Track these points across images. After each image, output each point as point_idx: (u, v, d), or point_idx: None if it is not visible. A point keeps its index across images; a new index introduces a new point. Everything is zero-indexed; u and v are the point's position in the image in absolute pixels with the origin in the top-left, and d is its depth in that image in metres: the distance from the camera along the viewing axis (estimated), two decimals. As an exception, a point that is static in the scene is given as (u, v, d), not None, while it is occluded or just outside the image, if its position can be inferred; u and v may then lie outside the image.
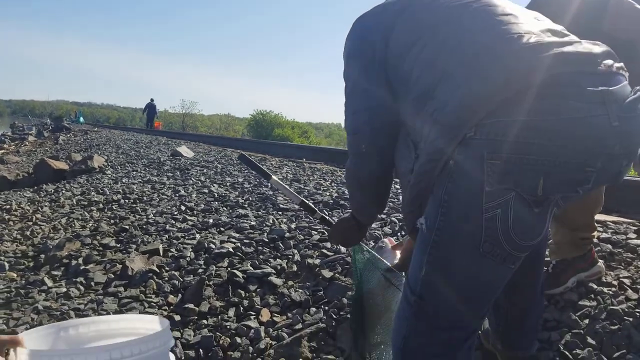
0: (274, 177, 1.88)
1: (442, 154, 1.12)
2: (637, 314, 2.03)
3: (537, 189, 1.05)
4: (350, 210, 1.78)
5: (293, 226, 3.61)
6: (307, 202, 2.01)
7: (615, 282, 2.29)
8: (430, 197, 1.20)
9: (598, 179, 1.10)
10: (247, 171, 6.95)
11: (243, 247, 3.29)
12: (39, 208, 5.64)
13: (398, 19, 1.33)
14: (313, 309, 2.45)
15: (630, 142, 1.11)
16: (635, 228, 3.06)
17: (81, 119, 44.52)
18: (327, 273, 2.70)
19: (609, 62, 1.12)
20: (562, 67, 1.05)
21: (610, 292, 2.21)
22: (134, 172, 7.71)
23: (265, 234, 3.50)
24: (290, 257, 3.05)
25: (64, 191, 6.49)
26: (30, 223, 4.97)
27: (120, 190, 6.02)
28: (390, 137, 1.41)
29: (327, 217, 2.08)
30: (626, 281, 2.30)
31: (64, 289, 3.05)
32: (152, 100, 32.24)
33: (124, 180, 6.91)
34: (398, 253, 2.00)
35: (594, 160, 1.07)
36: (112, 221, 4.59)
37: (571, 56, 1.07)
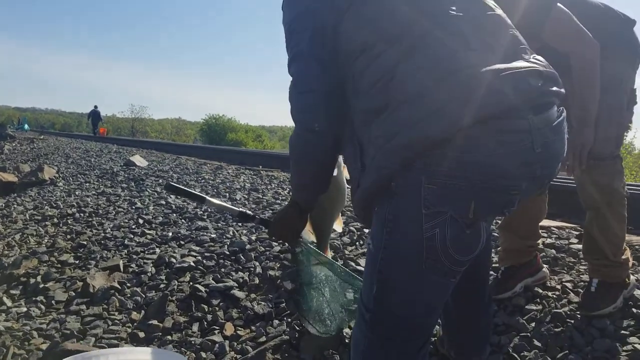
0: (208, 198, 1.90)
1: (387, 179, 1.24)
2: (578, 316, 2.23)
3: (469, 212, 1.18)
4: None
5: (253, 238, 3.70)
6: (245, 211, 1.98)
7: (558, 286, 2.50)
8: (375, 217, 1.32)
9: (522, 199, 1.26)
10: (203, 181, 6.97)
11: (204, 261, 3.35)
12: (-10, 224, 5.51)
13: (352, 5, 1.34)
14: (276, 321, 2.55)
15: (551, 163, 1.27)
16: (577, 233, 3.30)
17: (26, 126, 42.86)
18: (288, 285, 2.81)
19: (540, 85, 1.23)
20: (494, 106, 1.15)
21: (554, 296, 2.41)
22: (87, 184, 7.60)
23: (226, 246, 3.57)
24: (252, 269, 3.14)
25: (15, 205, 6.35)
26: (-18, 240, 4.86)
27: (75, 204, 5.95)
28: (342, 117, 1.42)
29: (265, 218, 2.01)
30: (568, 285, 2.51)
31: (24, 309, 3.04)
32: (95, 107, 33.98)
33: (77, 193, 6.81)
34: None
35: (519, 183, 1.21)
36: (69, 236, 4.56)
37: (505, 87, 1.16)
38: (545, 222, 3.36)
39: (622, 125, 2.23)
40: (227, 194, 5.69)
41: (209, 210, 4.85)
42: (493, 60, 1.20)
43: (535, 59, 1.29)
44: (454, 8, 1.28)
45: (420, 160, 1.18)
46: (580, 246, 3.11)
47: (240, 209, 1.98)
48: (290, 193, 1.76)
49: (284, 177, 7.13)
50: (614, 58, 2.09)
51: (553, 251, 2.93)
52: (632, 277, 2.35)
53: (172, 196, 5.81)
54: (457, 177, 1.16)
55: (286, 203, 1.88)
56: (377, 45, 1.27)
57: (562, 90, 1.29)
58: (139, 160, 9.89)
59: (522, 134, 1.17)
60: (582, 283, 2.52)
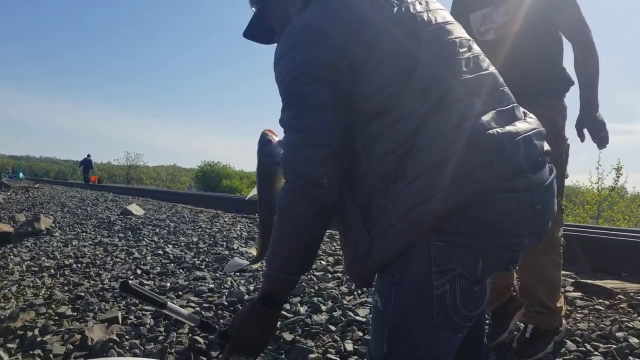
0: (169, 303, 1.55)
1: (409, 246, 1.22)
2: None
3: (477, 269, 1.22)
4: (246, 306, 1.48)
5: (252, 287, 3.72)
6: (206, 321, 1.60)
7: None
8: (380, 274, 1.31)
9: (523, 253, 1.31)
10: (200, 230, 6.99)
11: (203, 312, 3.36)
12: (-14, 275, 5.50)
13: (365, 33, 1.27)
14: (276, 373, 2.55)
15: (548, 218, 1.33)
16: (572, 280, 3.34)
17: (21, 175, 43.08)
18: (287, 336, 2.82)
19: (540, 146, 1.29)
20: (508, 168, 1.20)
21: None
22: (84, 234, 7.60)
23: (225, 296, 3.59)
24: (251, 320, 3.15)
25: (11, 256, 6.34)
26: (-22, 292, 4.84)
27: (72, 254, 5.95)
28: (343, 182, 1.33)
29: (224, 330, 1.52)
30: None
31: (22, 363, 3.03)
32: (88, 155, 35.53)
33: (74, 243, 6.81)
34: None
35: (523, 240, 1.26)
36: (66, 288, 4.55)
37: (519, 150, 1.22)
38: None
39: (563, 175, 2.33)
40: (225, 243, 5.71)
41: (207, 259, 4.87)
42: (502, 121, 1.25)
43: (531, 117, 1.36)
44: (465, 69, 1.30)
45: None
46: (576, 294, 3.15)
47: (201, 319, 1.60)
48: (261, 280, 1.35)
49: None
50: (552, 106, 2.27)
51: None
52: (564, 322, 2.49)
53: (169, 245, 5.82)
54: (465, 235, 1.19)
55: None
56: (398, 109, 1.24)
57: (549, 148, 1.36)
58: (135, 209, 9.91)
59: (525, 192, 1.22)
60: (578, 331, 2.55)
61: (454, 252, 1.20)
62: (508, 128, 1.24)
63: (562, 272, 3.65)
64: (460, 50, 1.33)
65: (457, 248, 1.20)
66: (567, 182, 2.52)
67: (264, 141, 1.76)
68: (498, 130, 1.21)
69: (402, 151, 1.22)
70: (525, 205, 1.23)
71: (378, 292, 1.32)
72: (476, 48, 1.40)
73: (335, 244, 5.07)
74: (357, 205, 1.33)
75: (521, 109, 1.37)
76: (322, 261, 4.27)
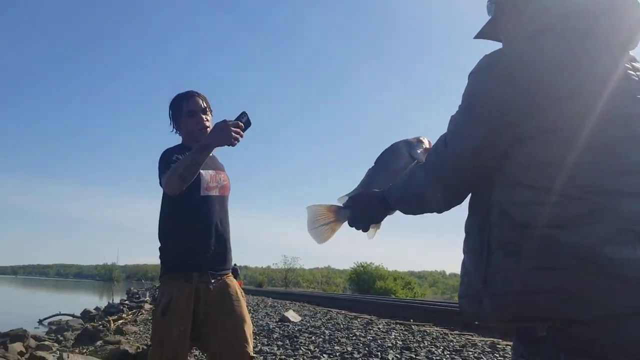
0: None
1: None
2: None
3: None
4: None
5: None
6: None
7: None
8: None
9: None
10: (355, 338, 6.93)
11: None
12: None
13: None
14: None
15: None
16: None
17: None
18: None
19: None
20: None
21: None
22: (245, 341, 7.90)
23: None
24: None
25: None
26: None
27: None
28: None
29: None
30: None
31: None
32: (235, 264, 36.72)
33: (236, 351, 7.10)
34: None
35: None
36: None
37: None
38: None
39: None
40: (379, 353, 5.58)
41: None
42: None
43: None
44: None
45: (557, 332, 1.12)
46: None
47: None
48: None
49: (436, 332, 6.86)
50: None
51: None
52: None
53: (325, 355, 5.83)
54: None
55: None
56: (554, 193, 1.14)
57: None
58: (292, 315, 10.18)
59: None
60: None
61: None
62: None
63: None
64: None
65: None
66: None
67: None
68: None
69: (553, 241, 1.16)
70: None
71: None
72: None
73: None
74: (482, 243, 1.29)
75: None
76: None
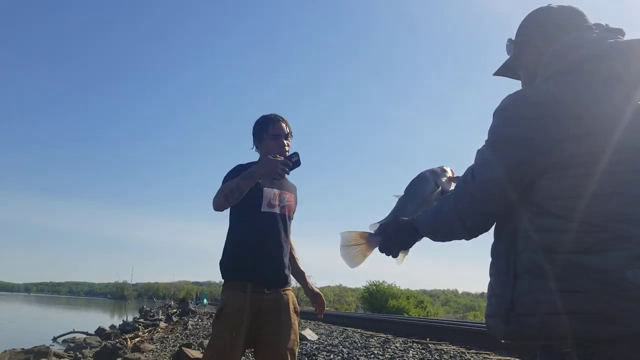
0: None
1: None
2: None
3: None
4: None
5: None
6: None
7: None
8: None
9: None
10: (373, 356, 7.04)
11: None
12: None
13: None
14: None
15: None
16: None
17: (205, 301, 45.82)
18: None
19: None
20: None
21: None
22: (265, 359, 7.99)
23: None
24: None
25: (204, 382, 6.86)
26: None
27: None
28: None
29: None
30: None
31: None
32: None
33: (257, 369, 7.19)
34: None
35: None
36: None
37: None
38: None
39: None
40: (399, 371, 5.68)
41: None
42: None
43: None
44: None
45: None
46: None
47: None
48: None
49: (454, 351, 6.95)
50: None
51: None
52: None
53: (345, 373, 5.93)
54: None
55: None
56: (577, 221, 1.25)
57: None
58: (309, 334, 10.26)
59: None
60: None
61: None
62: None
63: None
64: None
65: None
66: None
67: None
68: None
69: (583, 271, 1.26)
70: None
71: None
72: None
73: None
74: (509, 269, 1.39)
75: None
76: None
